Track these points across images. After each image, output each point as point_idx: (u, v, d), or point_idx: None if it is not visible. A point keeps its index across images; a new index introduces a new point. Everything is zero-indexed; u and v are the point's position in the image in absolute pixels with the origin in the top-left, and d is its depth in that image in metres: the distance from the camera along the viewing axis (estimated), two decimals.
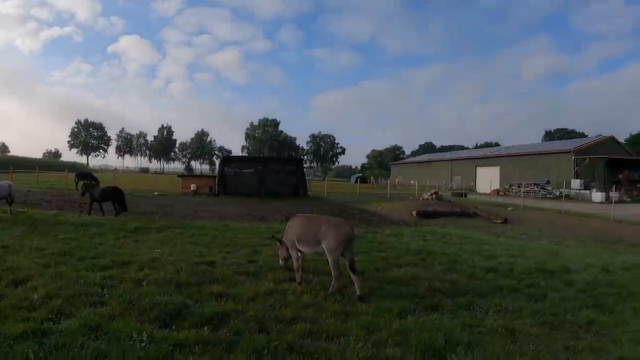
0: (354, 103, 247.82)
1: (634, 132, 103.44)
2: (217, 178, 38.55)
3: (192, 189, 36.32)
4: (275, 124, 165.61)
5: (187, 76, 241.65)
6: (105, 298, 7.02)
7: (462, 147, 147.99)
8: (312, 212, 23.40)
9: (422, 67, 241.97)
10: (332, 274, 7.95)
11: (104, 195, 19.01)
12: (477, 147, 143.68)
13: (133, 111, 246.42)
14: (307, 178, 43.40)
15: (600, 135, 74.09)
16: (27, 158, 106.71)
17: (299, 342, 5.66)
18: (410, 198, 36.16)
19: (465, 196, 46.76)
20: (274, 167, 40.80)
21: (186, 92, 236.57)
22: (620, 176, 54.94)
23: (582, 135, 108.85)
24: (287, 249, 8.93)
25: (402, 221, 22.53)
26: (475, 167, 77.39)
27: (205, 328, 5.94)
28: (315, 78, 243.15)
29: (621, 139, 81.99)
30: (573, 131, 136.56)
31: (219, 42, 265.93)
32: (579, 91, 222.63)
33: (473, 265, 11.02)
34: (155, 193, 34.84)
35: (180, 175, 45.62)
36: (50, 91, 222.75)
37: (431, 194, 32.57)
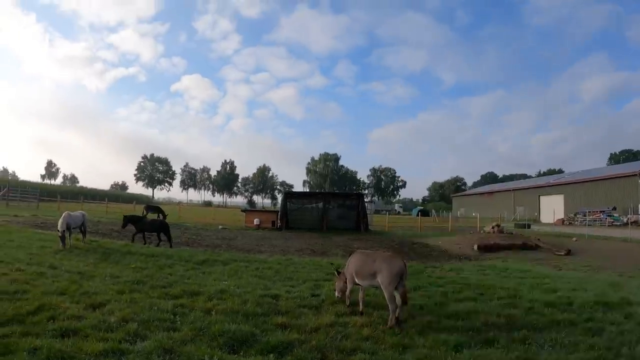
0: (413, 135, 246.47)
1: None
2: (279, 213, 38.61)
3: (255, 223, 36.40)
4: (335, 158, 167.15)
5: (247, 112, 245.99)
6: (177, 324, 7.56)
7: (524, 176, 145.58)
8: (372, 247, 23.91)
9: (477, 96, 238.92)
10: (389, 308, 8.18)
11: (152, 227, 20.29)
12: (539, 175, 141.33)
13: (196, 146, 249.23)
14: (368, 212, 43.48)
15: None
16: (95, 189, 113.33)
17: None
18: (471, 232, 35.80)
19: (529, 227, 46.07)
20: (335, 202, 41.51)
21: (247, 127, 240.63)
22: None
23: None
24: (345, 281, 9.51)
25: (462, 255, 22.51)
26: (539, 196, 75.76)
27: (271, 355, 6.39)
28: (373, 111, 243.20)
29: None
30: (639, 152, 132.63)
31: (277, 79, 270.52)
32: None
33: (531, 299, 10.97)
34: (220, 227, 35.38)
35: (244, 210, 45.73)
36: (116, 127, 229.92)
37: (492, 227, 32.26)
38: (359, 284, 9.13)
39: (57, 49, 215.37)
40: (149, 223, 20.68)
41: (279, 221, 37.17)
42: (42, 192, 59.82)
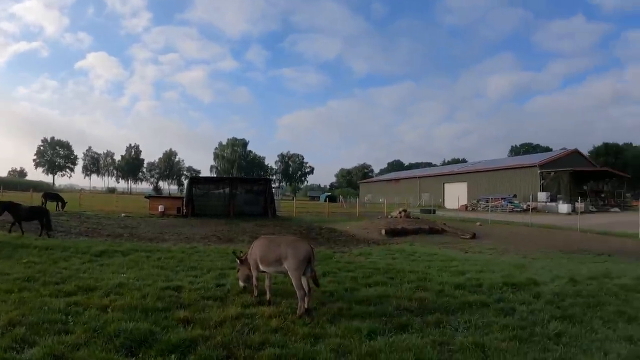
0: (322, 122, 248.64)
1: (596, 145, 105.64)
2: (184, 199, 37.71)
3: (159, 210, 35.44)
4: (243, 143, 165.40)
5: (154, 94, 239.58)
6: (69, 326, 6.68)
7: (429, 165, 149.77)
8: (279, 233, 23.52)
9: (388, 86, 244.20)
10: (298, 295, 7.75)
11: (31, 214, 18.69)
12: (444, 163, 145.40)
13: (100, 130, 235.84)
14: (276, 198, 43.02)
15: (565, 148, 76.04)
16: None
17: None
18: (379, 217, 35.91)
19: (434, 212, 47.19)
20: (242, 188, 41.02)
21: (153, 110, 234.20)
22: (585, 187, 56.12)
23: (547, 150, 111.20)
24: (250, 268, 8.88)
25: (371, 240, 22.41)
26: (443, 183, 78.49)
27: (173, 356, 5.74)
28: (283, 98, 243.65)
29: (585, 151, 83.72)
30: (538, 145, 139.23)
31: (186, 61, 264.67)
32: (542, 107, 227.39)
33: (441, 282, 10.84)
34: (123, 214, 33.73)
35: (148, 196, 44.48)
36: (15, 107, 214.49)
37: (399, 212, 32.55)
38: (264, 271, 8.61)
39: None
40: (27, 210, 18.91)
41: (184, 208, 36.30)
42: None
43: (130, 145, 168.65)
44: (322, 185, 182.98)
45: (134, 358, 5.69)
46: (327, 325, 7.14)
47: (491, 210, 43.57)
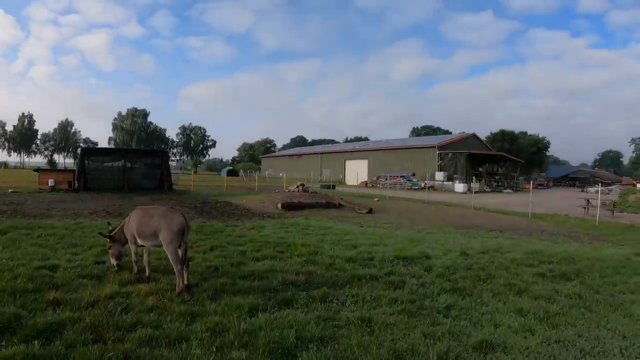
0: (227, 95, 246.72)
1: (494, 131, 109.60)
2: (76, 172, 35.72)
3: (49, 184, 33.21)
4: (144, 114, 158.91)
5: (52, 59, 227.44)
6: None
7: (333, 142, 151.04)
8: (173, 206, 22.44)
9: (296, 62, 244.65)
10: (175, 270, 7.36)
11: None
12: (347, 141, 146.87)
13: None
14: (174, 172, 41.64)
15: (464, 132, 78.03)
16: None
17: (137, 351, 5.08)
18: (277, 190, 35.56)
19: (334, 188, 47.32)
20: (137, 160, 39.19)
21: (50, 77, 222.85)
22: (481, 169, 58.28)
23: (447, 133, 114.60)
24: (122, 244, 8.50)
25: (266, 214, 21.84)
26: (345, 160, 79.18)
27: (36, 342, 5.18)
28: (188, 68, 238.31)
29: (483, 137, 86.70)
30: (439, 129, 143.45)
31: (88, 23, 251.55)
32: (446, 93, 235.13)
33: (332, 255, 10.59)
34: (10, 190, 31.29)
35: (37, 170, 41.20)
36: None
37: (297, 186, 32.33)
38: (143, 245, 8.13)
39: None
40: None
41: (75, 181, 34.53)
42: None
43: (23, 114, 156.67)
44: (224, 160, 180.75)
45: None
46: (207, 302, 6.82)
47: (390, 188, 44.16)
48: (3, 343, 5.18)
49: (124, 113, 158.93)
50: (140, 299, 6.86)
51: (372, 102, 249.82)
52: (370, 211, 23.74)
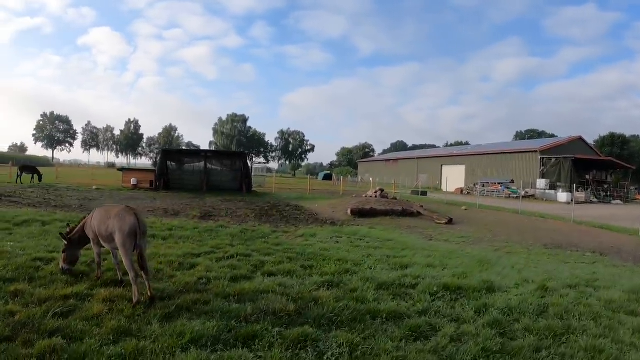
0: (326, 101, 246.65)
1: (603, 134, 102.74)
2: (156, 172, 36.11)
3: (132, 183, 34.50)
4: (243, 119, 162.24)
5: (158, 71, 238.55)
6: None
7: (433, 147, 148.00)
8: (241, 207, 22.69)
9: (394, 67, 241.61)
10: (129, 277, 6.54)
11: None
12: (447, 146, 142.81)
13: (103, 106, 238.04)
14: (263, 174, 40.56)
15: (570, 136, 72.57)
16: None
17: None
18: (354, 195, 33.09)
19: (425, 194, 44.57)
20: (218, 162, 39.20)
21: (157, 86, 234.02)
22: (587, 177, 53.41)
23: (552, 137, 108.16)
24: (75, 249, 7.72)
25: (331, 220, 19.77)
26: (441, 165, 76.15)
27: None
28: (287, 75, 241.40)
29: (590, 141, 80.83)
30: (544, 132, 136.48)
31: (190, 37, 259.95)
32: (550, 94, 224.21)
33: (365, 278, 8.34)
34: (94, 187, 32.79)
35: (121, 169, 43.04)
36: (19, 83, 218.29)
37: (375, 192, 29.78)
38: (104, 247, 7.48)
39: None
40: None
41: (156, 181, 34.91)
42: None
43: (129, 120, 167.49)
44: (323, 164, 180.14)
45: None
46: (154, 322, 5.63)
47: (487, 195, 41.37)
48: None
49: (224, 118, 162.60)
50: (90, 305, 6.16)
51: (472, 106, 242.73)
52: (450, 222, 20.84)
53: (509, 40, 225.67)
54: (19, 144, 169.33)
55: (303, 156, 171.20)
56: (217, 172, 38.04)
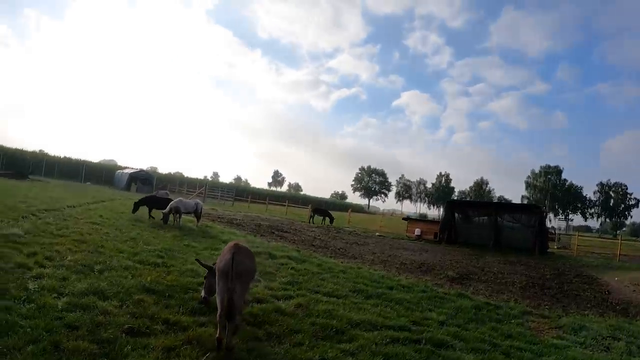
0: None
1: None
2: (440, 224, 34.35)
3: (415, 233, 34.27)
4: (557, 171, 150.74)
5: (469, 125, 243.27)
6: None
7: None
8: (511, 271, 19.45)
9: None
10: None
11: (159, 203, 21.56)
12: None
13: (415, 159, 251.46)
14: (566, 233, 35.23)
15: None
16: (317, 198, 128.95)
17: None
18: None
19: None
20: (509, 216, 34.65)
21: (468, 140, 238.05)
22: None
23: None
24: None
25: (626, 303, 13.72)
26: None
27: None
28: (603, 119, 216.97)
29: None
30: None
31: (495, 89, 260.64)
32: None
33: None
34: (377, 234, 33.61)
35: (406, 218, 42.77)
36: (342, 143, 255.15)
37: None
38: None
39: (283, 76, 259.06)
40: (162, 200, 22.11)
41: (440, 233, 33.21)
42: (270, 197, 73.39)
43: (440, 173, 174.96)
44: None
45: None
46: None
47: None
48: None
49: (536, 171, 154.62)
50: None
51: None
52: None
53: None
54: (339, 192, 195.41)
55: (626, 212, 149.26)
56: (508, 227, 33.61)
